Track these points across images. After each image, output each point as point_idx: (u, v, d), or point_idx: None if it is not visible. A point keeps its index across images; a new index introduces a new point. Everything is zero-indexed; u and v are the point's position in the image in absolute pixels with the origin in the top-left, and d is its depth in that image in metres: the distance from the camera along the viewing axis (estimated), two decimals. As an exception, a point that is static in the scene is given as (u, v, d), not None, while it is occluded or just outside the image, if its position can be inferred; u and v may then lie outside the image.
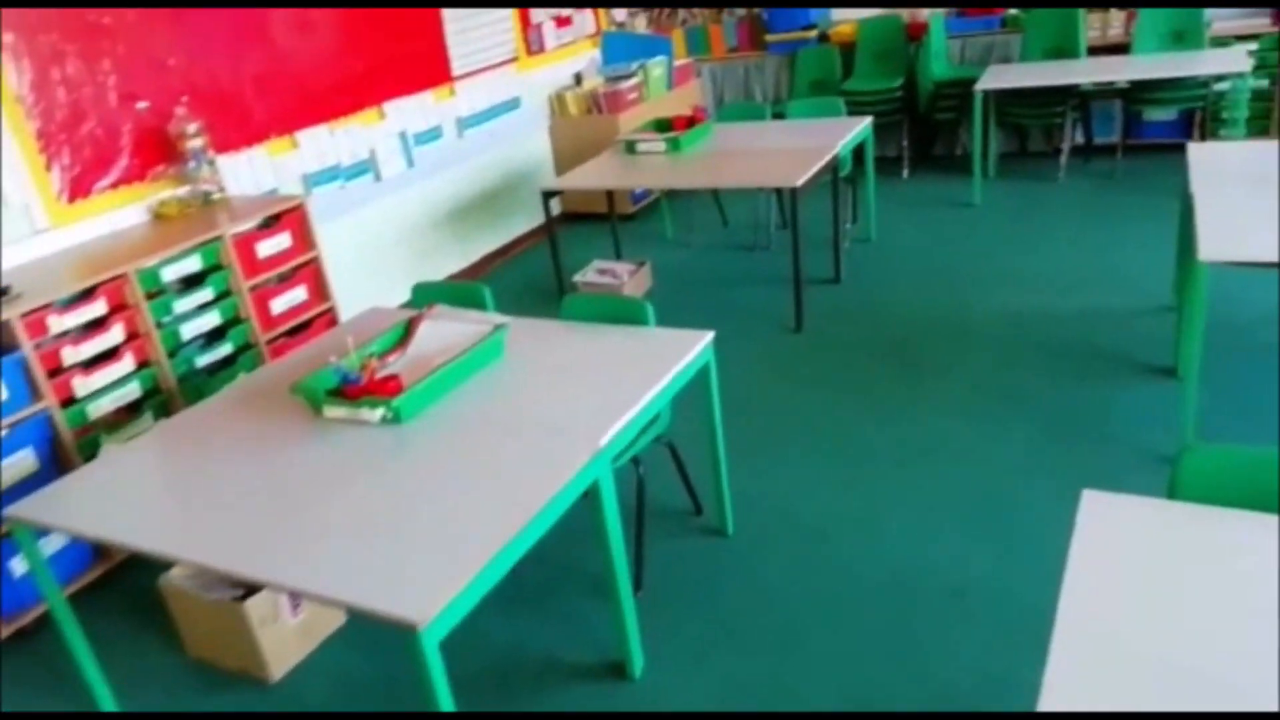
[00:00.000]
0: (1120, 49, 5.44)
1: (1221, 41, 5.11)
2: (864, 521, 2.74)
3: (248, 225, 3.47)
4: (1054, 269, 4.26)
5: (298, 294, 3.64)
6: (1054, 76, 5.01)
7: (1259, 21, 5.18)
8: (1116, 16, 5.48)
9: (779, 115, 5.32)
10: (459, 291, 2.98)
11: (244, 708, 2.35)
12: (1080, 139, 5.62)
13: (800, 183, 3.80)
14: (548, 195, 4.39)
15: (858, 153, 4.77)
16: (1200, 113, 5.33)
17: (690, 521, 2.87)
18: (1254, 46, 5.05)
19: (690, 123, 4.84)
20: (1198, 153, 3.22)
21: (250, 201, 3.73)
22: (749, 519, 2.83)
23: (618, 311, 2.71)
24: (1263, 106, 5.20)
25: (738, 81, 6.75)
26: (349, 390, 2.26)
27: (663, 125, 4.94)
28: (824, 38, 6.41)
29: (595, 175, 4.46)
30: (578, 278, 4.71)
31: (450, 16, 5.05)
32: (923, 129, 6.14)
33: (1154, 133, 5.56)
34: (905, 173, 6.02)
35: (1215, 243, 2.44)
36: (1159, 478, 1.67)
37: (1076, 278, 4.13)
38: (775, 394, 3.57)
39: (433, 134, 5.01)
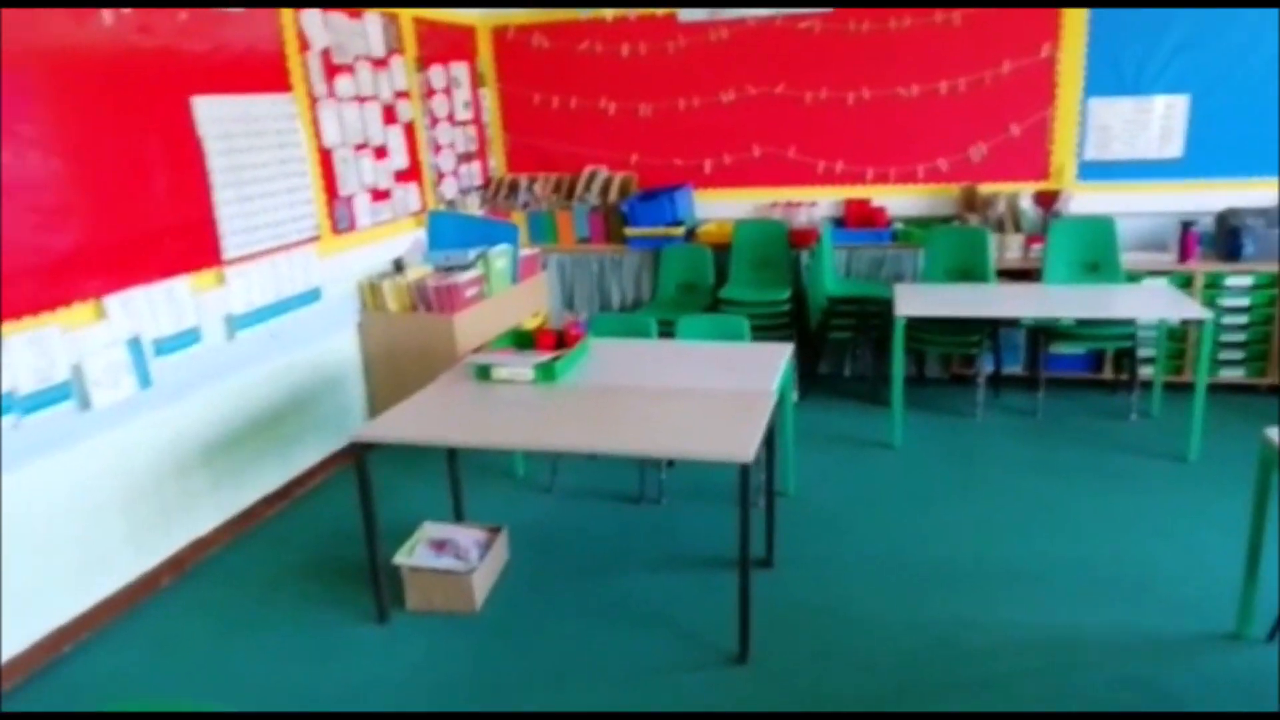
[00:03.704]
0: (1023, 274, 4.92)
1: (1133, 276, 4.70)
2: None
3: None
4: (1047, 557, 3.28)
5: None
6: (986, 304, 4.29)
7: (1165, 257, 4.85)
8: (1014, 239, 5.01)
9: (662, 325, 4.24)
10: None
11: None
12: (989, 368, 4.96)
13: (754, 455, 2.63)
14: (361, 449, 2.92)
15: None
16: (1116, 351, 4.84)
17: None
18: (1163, 283, 4.66)
19: (559, 341, 3.63)
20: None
21: None
22: None
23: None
24: (1176, 346, 4.79)
25: (590, 278, 5.70)
26: None
27: (523, 339, 3.68)
28: (691, 235, 5.55)
29: (432, 416, 3.06)
30: (403, 559, 3.18)
31: (223, 181, 3.62)
32: (809, 348, 5.31)
33: (1061, 365, 5.01)
34: (795, 396, 5.08)
35: None
36: None
37: (1085, 576, 3.15)
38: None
39: (186, 338, 3.44)
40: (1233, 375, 4.77)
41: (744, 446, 2.63)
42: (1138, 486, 3.81)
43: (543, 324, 5.40)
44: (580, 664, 2.81)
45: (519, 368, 3.33)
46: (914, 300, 4.35)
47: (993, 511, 3.66)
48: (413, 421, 3.03)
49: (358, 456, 2.93)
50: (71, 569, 3.03)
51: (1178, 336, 4.76)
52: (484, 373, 3.37)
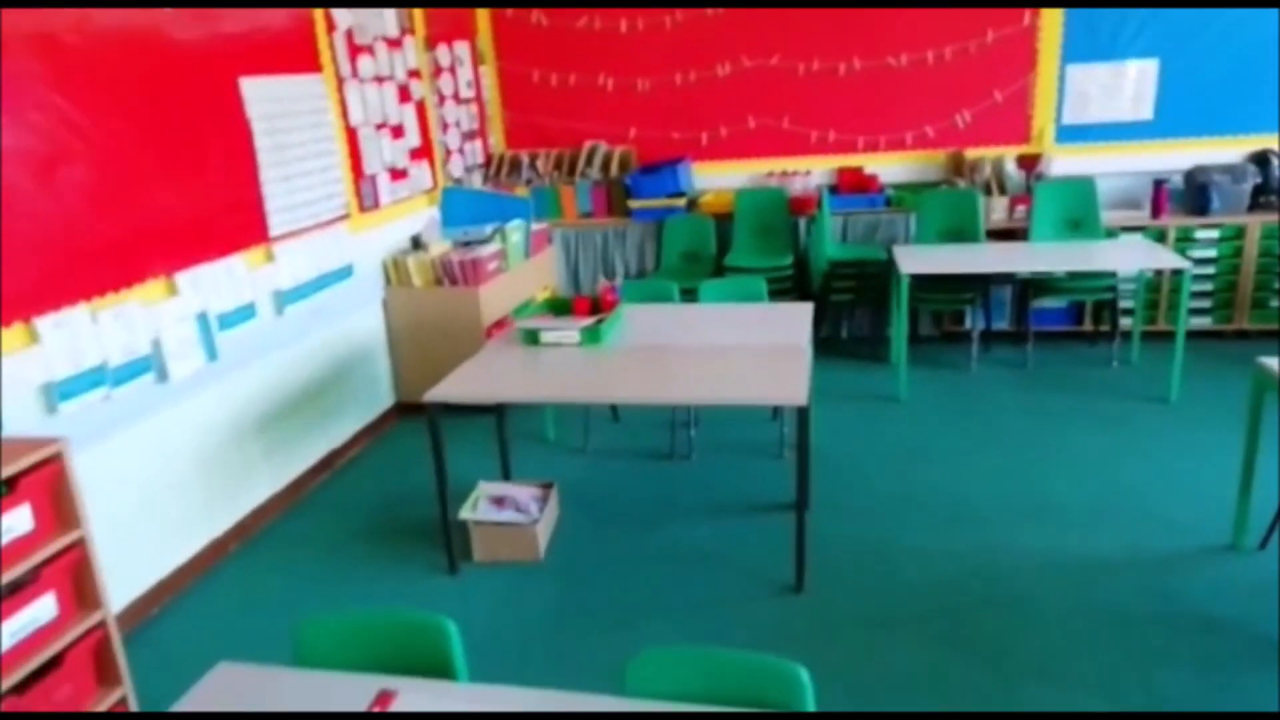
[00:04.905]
0: (1009, 234, 5.24)
1: (1111, 232, 5.04)
2: None
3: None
4: (1055, 491, 3.60)
5: (37, 612, 2.08)
6: (984, 262, 4.60)
7: (1139, 214, 5.20)
8: (1000, 201, 5.32)
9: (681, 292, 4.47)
10: None
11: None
12: (981, 324, 5.28)
13: (805, 399, 2.88)
14: (434, 411, 3.11)
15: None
16: (1096, 303, 5.19)
17: None
18: (1139, 237, 5.01)
19: (593, 306, 3.83)
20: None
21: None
22: None
23: None
24: (1150, 297, 5.16)
25: (594, 250, 5.90)
26: None
27: (559, 305, 3.88)
28: (693, 205, 5.77)
29: (490, 377, 3.27)
30: (467, 514, 3.40)
31: (269, 161, 3.75)
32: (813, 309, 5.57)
33: (1046, 320, 5.35)
34: (800, 357, 5.36)
35: None
36: None
37: (1091, 506, 3.47)
38: None
39: (243, 313, 3.59)
40: (1202, 323, 5.16)
41: (796, 392, 2.89)
42: (1126, 426, 4.16)
43: (552, 296, 5.59)
44: (648, 600, 3.06)
45: (566, 331, 3.54)
46: (915, 260, 4.63)
47: (998, 454, 3.98)
48: (475, 382, 3.23)
49: (430, 417, 3.12)
50: (156, 535, 3.19)
51: (1152, 288, 5.13)
52: (532, 337, 3.58)
